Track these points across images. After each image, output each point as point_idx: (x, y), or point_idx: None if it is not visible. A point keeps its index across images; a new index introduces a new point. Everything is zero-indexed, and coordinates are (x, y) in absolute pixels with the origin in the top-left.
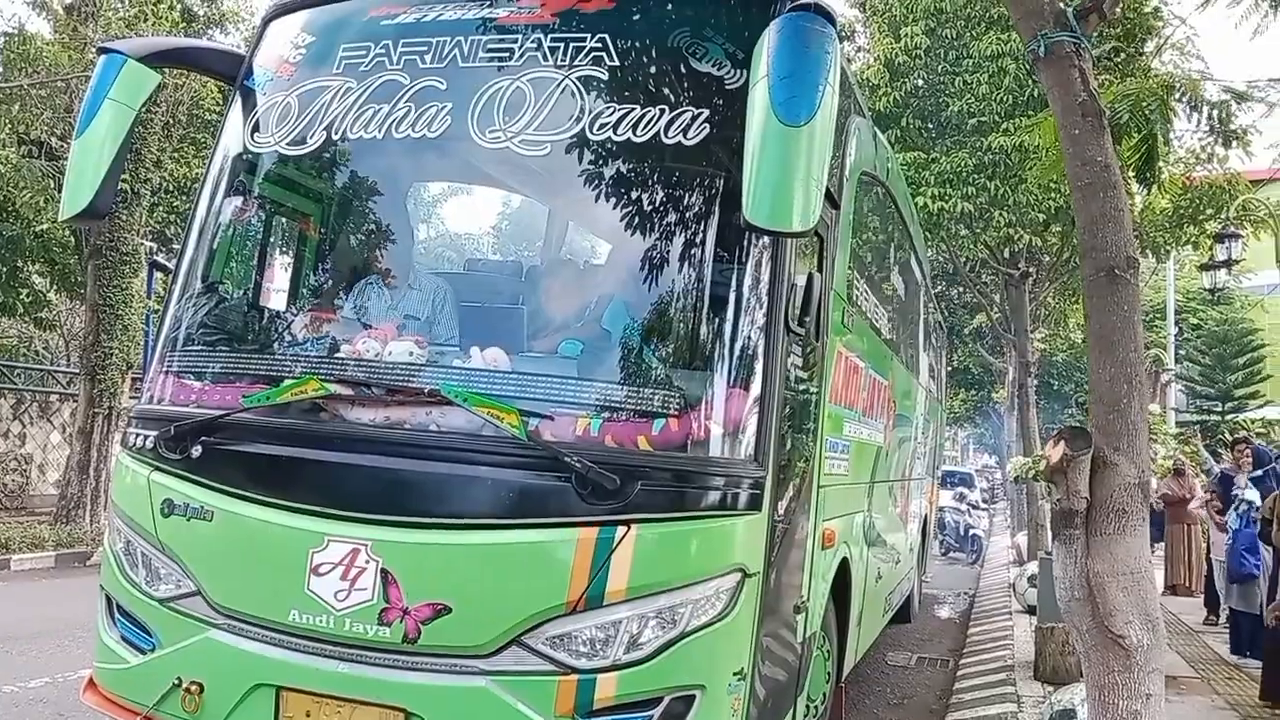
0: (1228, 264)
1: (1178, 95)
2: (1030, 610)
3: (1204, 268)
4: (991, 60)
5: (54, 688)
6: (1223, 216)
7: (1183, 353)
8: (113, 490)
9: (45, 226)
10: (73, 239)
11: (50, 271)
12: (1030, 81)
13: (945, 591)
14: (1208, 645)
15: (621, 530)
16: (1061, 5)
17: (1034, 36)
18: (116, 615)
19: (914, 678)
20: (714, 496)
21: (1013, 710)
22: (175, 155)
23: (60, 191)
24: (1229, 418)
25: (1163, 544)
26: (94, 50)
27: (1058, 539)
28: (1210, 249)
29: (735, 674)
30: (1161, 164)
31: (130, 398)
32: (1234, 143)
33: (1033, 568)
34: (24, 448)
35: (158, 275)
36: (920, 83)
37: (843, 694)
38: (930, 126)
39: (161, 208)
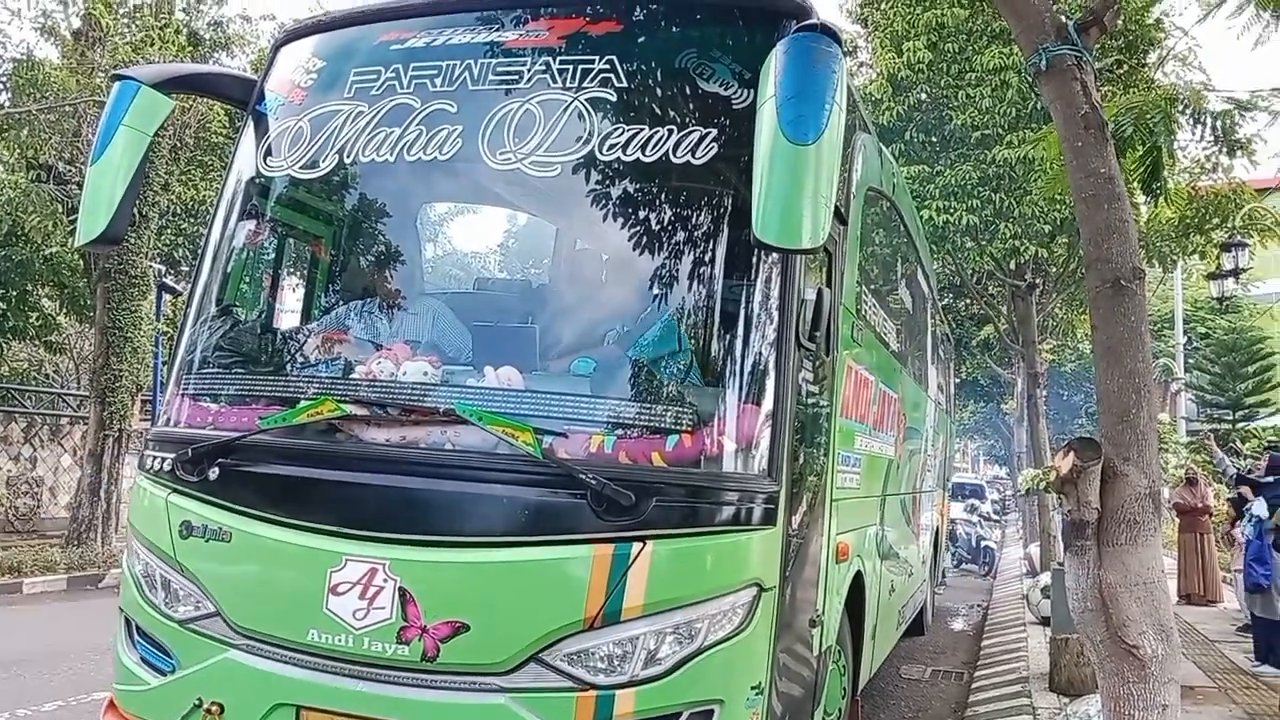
0: (1235, 273)
1: (1181, 107)
2: (1044, 621)
3: (1211, 277)
4: (994, 73)
5: (68, 711)
6: (1229, 225)
7: (1191, 361)
8: (131, 513)
9: (54, 250)
10: (81, 262)
11: (59, 295)
12: (1033, 94)
13: (958, 603)
14: (1225, 655)
15: (637, 546)
16: (1062, 19)
17: (1035, 50)
18: (136, 637)
19: (929, 690)
20: (728, 512)
21: None
22: (183, 178)
23: (68, 216)
24: (1240, 426)
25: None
26: (102, 75)
27: (1069, 550)
28: (1217, 258)
29: (753, 688)
30: (1167, 175)
31: (140, 420)
32: (1238, 152)
33: (1046, 578)
34: (35, 471)
35: (166, 297)
36: (923, 96)
37: (858, 707)
38: (934, 140)
39: (170, 230)
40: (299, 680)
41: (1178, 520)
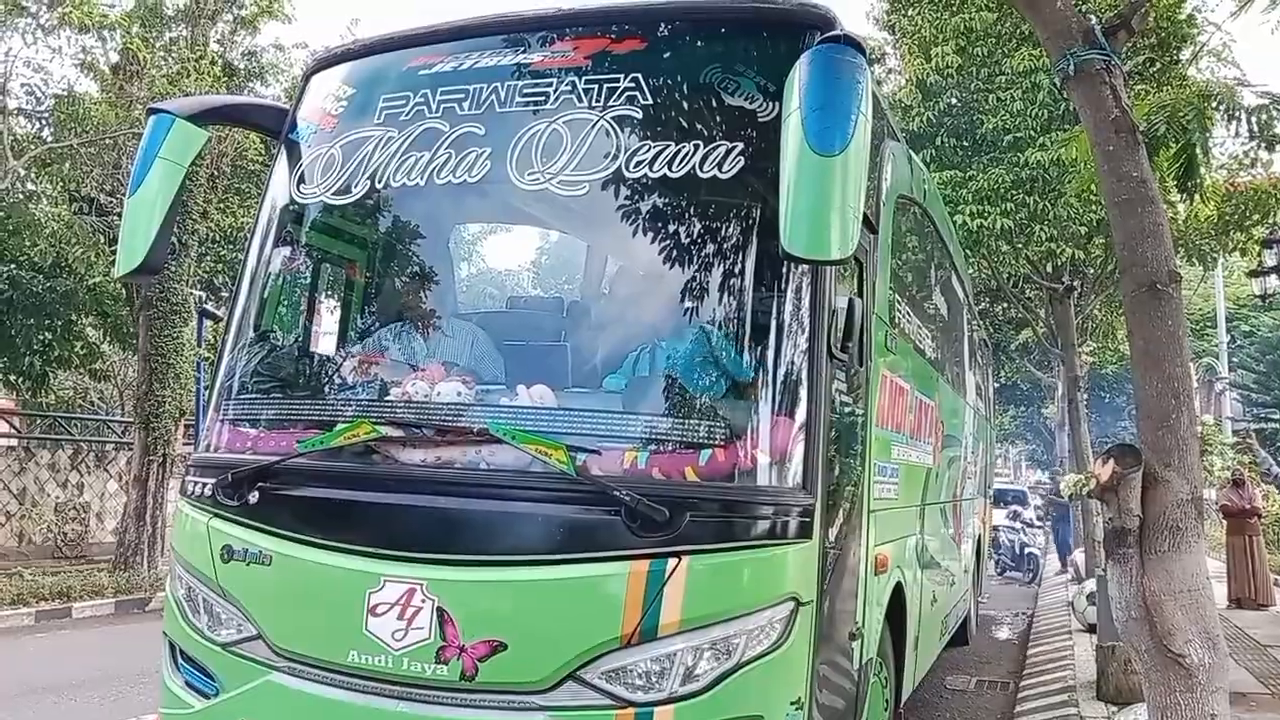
0: (1278, 269)
1: (1215, 103)
2: (1090, 629)
3: (1253, 274)
4: (1024, 76)
5: None
6: (1270, 221)
7: (1235, 360)
8: (173, 538)
9: (97, 280)
10: (124, 291)
11: (103, 324)
12: (1064, 96)
13: (1003, 612)
14: (1278, 660)
15: (673, 562)
16: (1089, 23)
17: (1062, 55)
18: (180, 661)
19: (974, 701)
20: (764, 526)
21: None
22: (221, 206)
23: (110, 246)
24: None
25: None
26: (140, 107)
27: (1112, 558)
28: (1259, 255)
29: (793, 703)
30: (1203, 172)
31: (184, 444)
32: (1277, 146)
33: (1091, 585)
34: (82, 497)
35: (207, 323)
36: (953, 101)
37: None
38: (965, 144)
39: (209, 258)
40: (340, 701)
41: (1225, 523)
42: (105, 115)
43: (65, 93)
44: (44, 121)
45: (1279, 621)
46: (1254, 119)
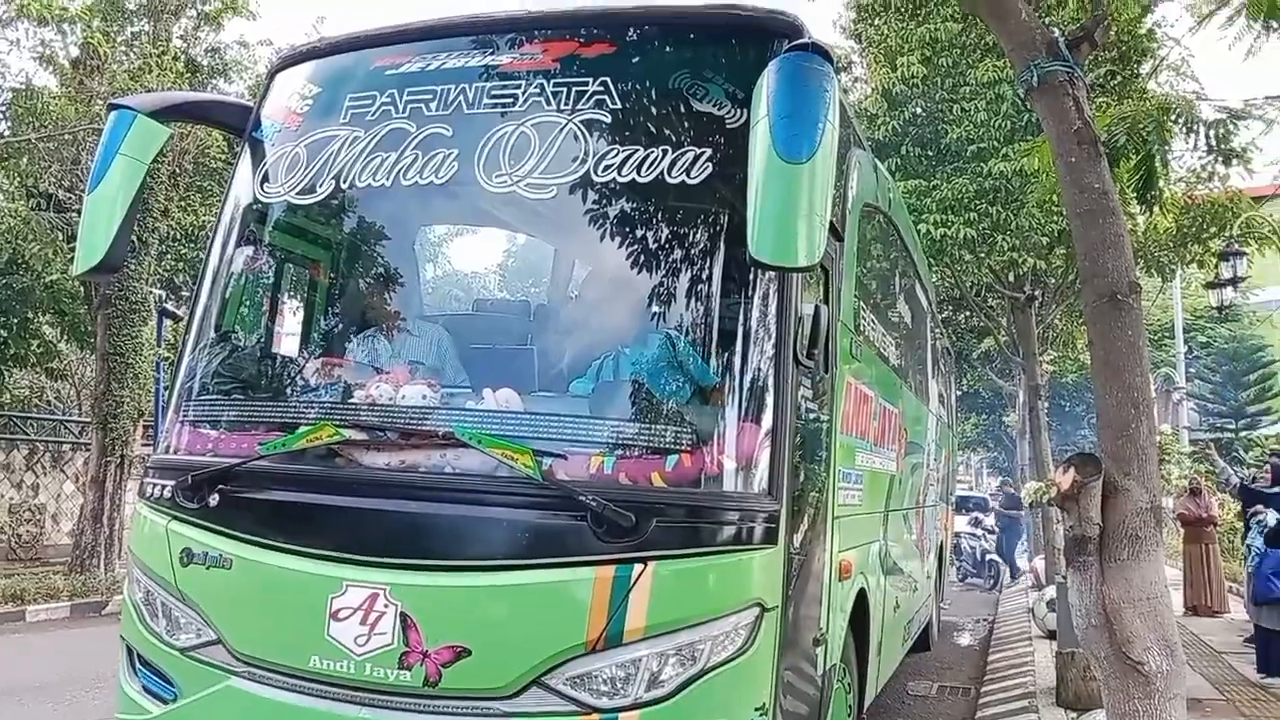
0: (1234, 281)
1: (1174, 116)
2: (1051, 635)
3: (1210, 286)
4: (989, 87)
5: None
6: (1226, 234)
7: (1193, 370)
8: (131, 540)
9: (54, 278)
10: (82, 289)
11: (60, 322)
12: (1027, 107)
13: (964, 618)
14: (1233, 667)
15: (638, 568)
16: (1053, 35)
17: (1026, 67)
18: (138, 665)
19: (936, 707)
20: (729, 531)
21: None
22: (182, 204)
23: (68, 243)
24: (1242, 434)
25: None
26: (100, 103)
27: (1072, 566)
28: (1216, 267)
29: (757, 709)
30: (1162, 184)
31: (142, 445)
32: (1234, 161)
33: (1051, 592)
34: (37, 498)
35: (167, 323)
36: (919, 111)
37: None
38: (930, 154)
39: (170, 256)
40: (301, 708)
41: (1182, 531)
42: (64, 110)
43: (23, 86)
44: (1, 115)
45: (1234, 628)
46: (1212, 132)
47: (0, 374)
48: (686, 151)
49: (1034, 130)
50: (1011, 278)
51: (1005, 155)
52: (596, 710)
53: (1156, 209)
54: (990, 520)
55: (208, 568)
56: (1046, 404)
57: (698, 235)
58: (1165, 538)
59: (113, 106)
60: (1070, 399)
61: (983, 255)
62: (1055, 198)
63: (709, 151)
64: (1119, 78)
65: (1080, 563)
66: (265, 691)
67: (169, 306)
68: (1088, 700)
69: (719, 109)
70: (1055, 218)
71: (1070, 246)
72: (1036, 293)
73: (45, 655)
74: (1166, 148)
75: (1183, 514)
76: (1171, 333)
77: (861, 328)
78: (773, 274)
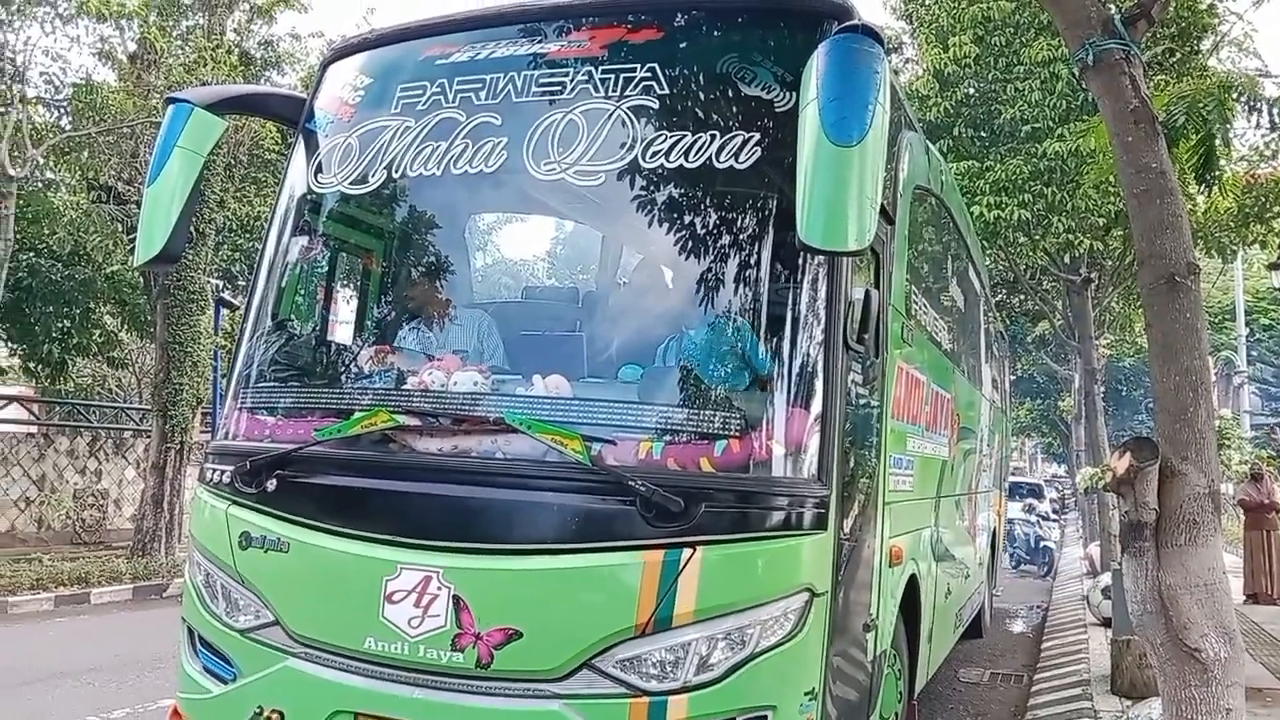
0: None
1: (1236, 94)
2: (1105, 622)
3: (1273, 267)
4: (1043, 66)
5: (135, 718)
6: None
7: (1255, 354)
8: (192, 524)
9: (115, 269)
10: (141, 280)
11: (121, 312)
12: (1083, 86)
13: (1017, 605)
14: None
15: (687, 552)
16: (1109, 12)
17: (1081, 45)
18: (198, 646)
19: (988, 694)
20: (779, 517)
21: None
22: (238, 195)
23: (128, 235)
24: None
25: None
26: (157, 96)
27: (1127, 552)
28: (1279, 247)
29: (806, 694)
30: (1223, 163)
31: (201, 432)
32: None
33: (1106, 579)
34: (100, 484)
35: (224, 312)
36: (971, 91)
37: (915, 712)
38: (983, 135)
39: (226, 246)
40: (356, 688)
41: (1243, 517)
42: (123, 104)
43: (83, 81)
44: (62, 110)
45: None
46: (1275, 110)
47: (64, 363)
48: (735, 136)
49: (1090, 109)
50: (1067, 260)
51: (1061, 135)
52: (646, 693)
53: (1216, 189)
54: (1045, 506)
55: (266, 551)
56: (1102, 388)
57: (746, 220)
58: (1225, 524)
59: (170, 100)
60: (1127, 383)
61: (1038, 237)
62: (1112, 178)
63: (758, 136)
64: (1178, 55)
65: (1136, 548)
66: (322, 672)
67: (225, 296)
68: (1143, 688)
69: (767, 92)
70: (1112, 198)
71: (1128, 228)
72: (1093, 275)
73: (109, 637)
74: (1228, 126)
75: (1243, 499)
76: (1233, 315)
77: (913, 312)
78: (822, 258)
